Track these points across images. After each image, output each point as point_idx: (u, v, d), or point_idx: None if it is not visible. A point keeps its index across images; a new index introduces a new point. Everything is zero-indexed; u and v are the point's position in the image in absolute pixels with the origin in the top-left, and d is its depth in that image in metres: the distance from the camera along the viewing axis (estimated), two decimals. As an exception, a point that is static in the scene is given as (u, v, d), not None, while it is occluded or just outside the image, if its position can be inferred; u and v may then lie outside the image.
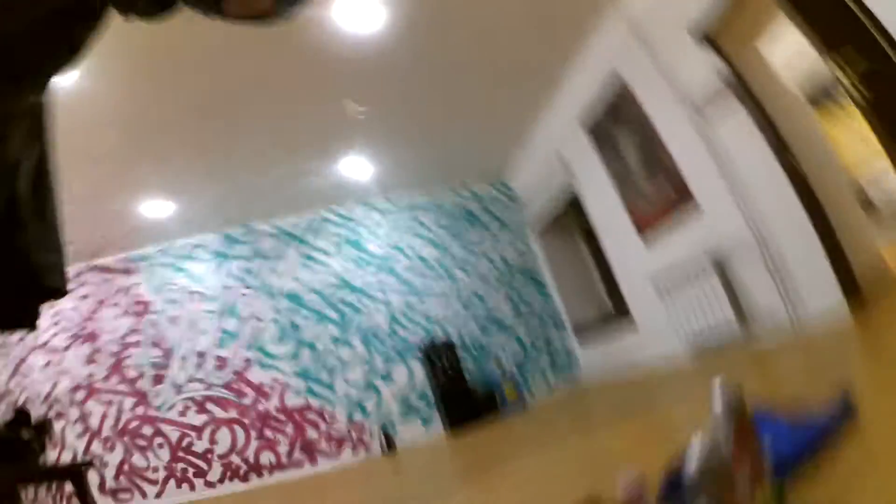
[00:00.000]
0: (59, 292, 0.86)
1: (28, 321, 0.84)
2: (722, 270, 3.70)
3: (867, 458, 1.23)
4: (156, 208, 4.67)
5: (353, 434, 5.10)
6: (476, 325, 5.84)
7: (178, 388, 4.63)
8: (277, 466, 4.80)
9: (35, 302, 0.84)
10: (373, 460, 4.91)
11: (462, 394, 5.33)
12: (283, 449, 4.84)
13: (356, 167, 5.27)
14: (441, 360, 5.36)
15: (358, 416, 5.13)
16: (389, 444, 5.09)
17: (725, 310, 3.70)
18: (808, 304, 3.24)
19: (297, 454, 4.89)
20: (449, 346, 5.48)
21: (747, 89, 3.21)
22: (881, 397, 1.60)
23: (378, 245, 5.77)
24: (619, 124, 4.42)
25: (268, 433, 4.80)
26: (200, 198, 4.75)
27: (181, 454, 4.48)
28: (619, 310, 5.32)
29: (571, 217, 5.96)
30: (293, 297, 5.21)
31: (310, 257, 5.43)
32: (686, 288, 4.02)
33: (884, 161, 2.97)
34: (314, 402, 5.01)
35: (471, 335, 5.78)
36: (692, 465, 0.97)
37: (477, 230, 6.28)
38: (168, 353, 4.74)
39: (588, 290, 6.24)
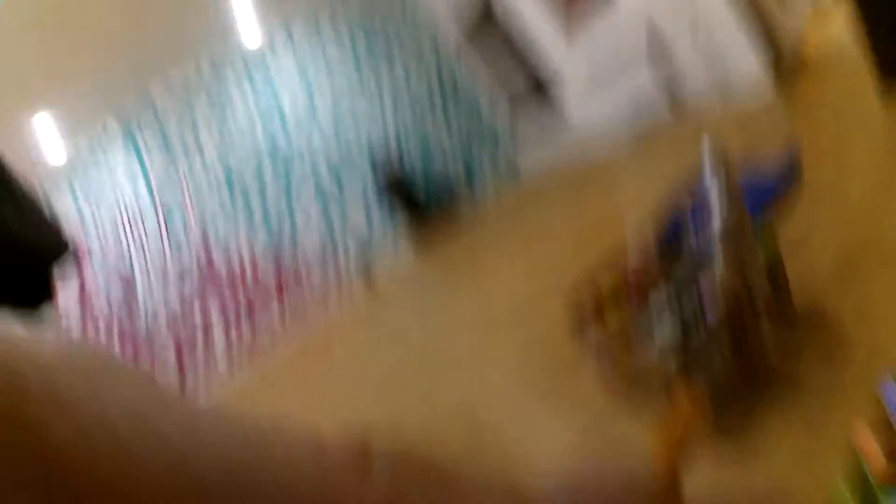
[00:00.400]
0: (59, 251, 0.84)
1: (44, 292, 0.84)
2: (653, 50, 3.74)
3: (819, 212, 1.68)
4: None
5: (331, 280, 5.17)
6: (417, 139, 5.73)
7: (155, 315, 4.56)
8: (272, 334, 4.83)
9: (41, 273, 0.81)
10: (355, 298, 5.06)
11: (419, 206, 5.42)
12: (272, 317, 4.88)
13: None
14: (394, 182, 5.33)
15: (330, 263, 5.16)
16: (368, 279, 5.20)
17: (657, 89, 3.88)
18: (735, 82, 3.39)
19: (288, 318, 4.93)
20: (398, 166, 5.40)
21: None
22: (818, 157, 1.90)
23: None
24: None
25: (253, 307, 4.80)
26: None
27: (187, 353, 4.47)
28: (549, 102, 5.23)
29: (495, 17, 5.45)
30: (226, 168, 4.96)
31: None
32: (618, 73, 4.07)
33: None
34: (286, 264, 4.97)
35: (413, 150, 5.71)
36: (714, 223, 1.23)
37: (392, 40, 5.87)
38: (129, 278, 4.65)
39: (518, 85, 5.78)
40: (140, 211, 4.75)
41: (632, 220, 2.48)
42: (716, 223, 1.24)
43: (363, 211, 5.49)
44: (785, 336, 1.37)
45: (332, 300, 5.24)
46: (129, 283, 4.58)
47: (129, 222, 4.73)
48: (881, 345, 1.20)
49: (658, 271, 1.63)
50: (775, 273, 1.38)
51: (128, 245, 4.64)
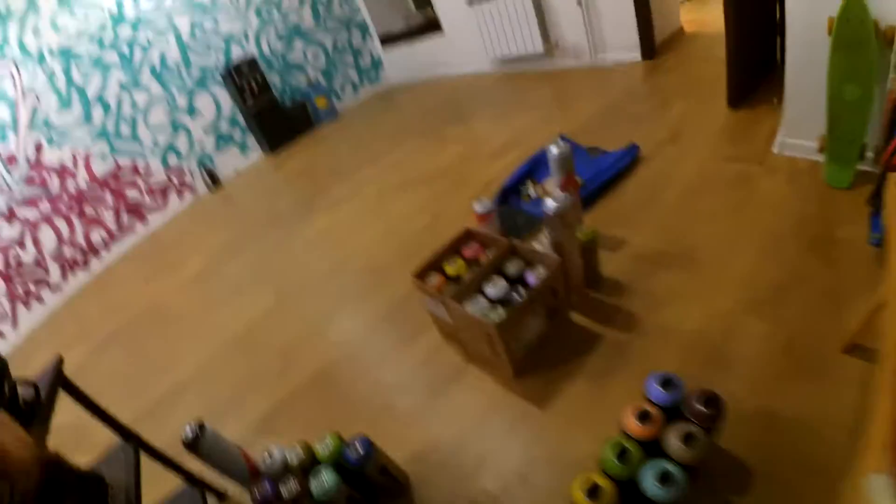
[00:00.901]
0: None
1: None
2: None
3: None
4: None
5: (174, 180, 4.89)
6: (276, 38, 5.50)
7: None
8: (112, 240, 4.47)
9: None
10: (201, 200, 4.93)
11: (273, 111, 5.25)
12: (110, 221, 4.46)
13: None
14: (245, 80, 5.02)
15: (173, 161, 4.86)
16: (213, 179, 5.06)
17: (535, 37, 4.07)
18: (609, 47, 3.79)
19: (126, 220, 4.58)
20: (251, 64, 5.07)
21: None
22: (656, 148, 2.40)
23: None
24: None
25: (89, 211, 4.32)
26: None
27: (14, 275, 3.86)
28: (429, 21, 5.31)
29: None
30: (63, 54, 4.16)
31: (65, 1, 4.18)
32: (493, 4, 4.21)
33: None
34: (124, 161, 4.54)
35: (272, 49, 5.47)
36: (550, 207, 1.43)
37: None
38: None
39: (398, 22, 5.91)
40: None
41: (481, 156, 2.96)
42: (550, 205, 1.42)
43: (213, 108, 5.09)
44: (591, 301, 1.66)
45: (173, 200, 4.90)
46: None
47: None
48: (661, 326, 1.49)
49: (497, 233, 1.85)
50: (590, 250, 1.63)
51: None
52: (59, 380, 1.10)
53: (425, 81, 5.65)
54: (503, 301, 1.50)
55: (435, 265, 1.73)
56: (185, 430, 1.17)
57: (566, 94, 3.63)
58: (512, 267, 1.59)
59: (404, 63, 6.04)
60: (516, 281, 1.56)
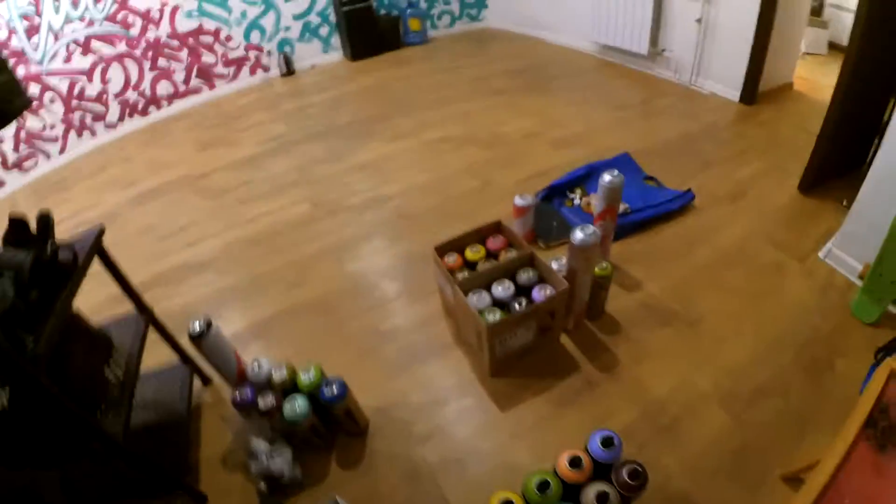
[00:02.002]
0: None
1: None
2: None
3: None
4: None
5: (251, 56, 4.95)
6: None
7: (57, 34, 3.84)
8: (175, 95, 4.61)
9: None
10: (271, 84, 5.00)
11: (366, 18, 5.18)
12: (179, 77, 4.58)
13: None
14: None
15: (255, 38, 4.89)
16: (289, 67, 5.11)
17: (643, 38, 3.94)
18: (711, 75, 3.66)
19: (195, 81, 4.70)
20: None
21: None
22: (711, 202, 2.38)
23: None
24: None
25: (161, 62, 4.43)
26: None
27: (75, 103, 4.01)
28: None
29: None
30: None
31: None
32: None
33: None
34: (208, 24, 4.57)
35: None
36: (577, 238, 1.47)
37: None
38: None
39: None
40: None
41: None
42: (577, 236, 1.47)
43: (305, 4, 5.04)
44: (585, 332, 1.74)
45: (245, 74, 4.99)
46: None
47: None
48: (636, 379, 1.58)
49: (530, 227, 1.91)
50: (601, 285, 1.70)
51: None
52: (96, 249, 1.22)
53: (523, 37, 5.46)
54: (504, 304, 1.60)
55: (458, 245, 1.82)
56: (194, 323, 1.32)
57: (652, 106, 3.52)
58: (524, 275, 1.67)
59: (509, 11, 5.81)
60: (523, 290, 1.64)
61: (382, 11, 5.43)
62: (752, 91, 3.43)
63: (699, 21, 3.52)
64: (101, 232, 1.24)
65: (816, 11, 4.34)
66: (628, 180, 2.25)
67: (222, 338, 1.39)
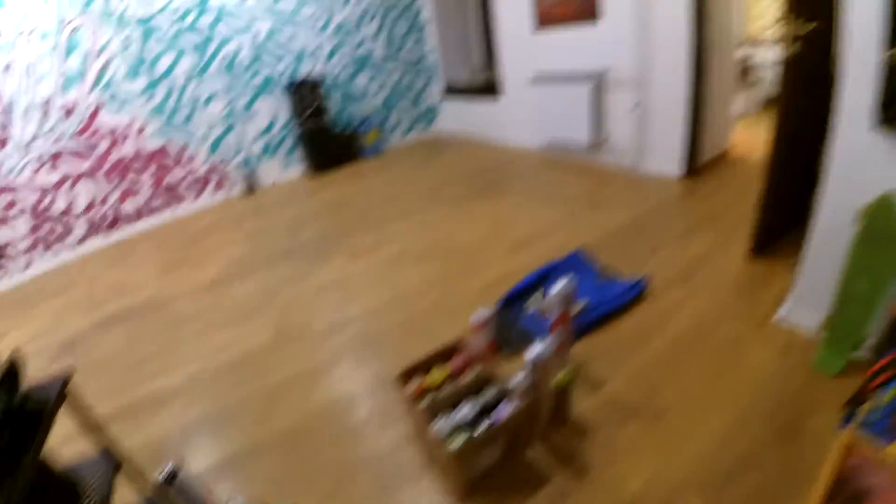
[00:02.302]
0: None
1: None
2: (596, 90, 4.11)
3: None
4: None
5: (214, 175, 5.12)
6: (345, 64, 5.75)
7: (26, 148, 3.99)
8: (140, 214, 4.73)
9: None
10: (234, 203, 5.08)
11: (324, 135, 5.44)
12: (144, 195, 4.72)
13: None
14: (306, 97, 5.26)
15: (218, 156, 5.09)
16: (251, 185, 5.26)
17: (584, 130, 4.23)
18: (653, 156, 3.96)
19: (159, 199, 4.83)
20: (315, 83, 5.33)
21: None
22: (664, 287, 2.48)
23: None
24: None
25: (127, 181, 4.58)
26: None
27: (42, 219, 4.11)
28: (490, 84, 5.63)
29: None
30: (144, 23, 4.43)
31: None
32: (555, 89, 4.40)
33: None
34: (173, 143, 4.78)
35: (338, 73, 5.73)
36: (531, 354, 1.59)
37: None
38: (7, 110, 3.91)
39: (466, 52, 6.38)
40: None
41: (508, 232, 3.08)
42: (531, 353, 1.55)
43: (269, 116, 5.35)
44: (553, 441, 1.78)
45: (208, 193, 5.14)
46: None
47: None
48: (610, 481, 1.60)
49: (490, 341, 1.98)
50: (564, 391, 1.76)
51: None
52: (63, 397, 1.21)
53: (473, 141, 5.92)
54: (470, 425, 1.63)
55: (421, 367, 1.87)
56: (162, 469, 1.31)
57: (600, 195, 3.77)
58: (488, 392, 1.72)
59: (459, 117, 6.32)
60: (488, 407, 1.69)
61: (340, 126, 5.78)
62: (692, 166, 3.74)
63: (634, 107, 3.86)
64: (68, 379, 1.25)
65: (745, 73, 4.80)
66: (583, 277, 2.38)
67: (191, 487, 1.38)
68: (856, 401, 1.50)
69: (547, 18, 4.46)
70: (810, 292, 1.97)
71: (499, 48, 5.23)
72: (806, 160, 2.35)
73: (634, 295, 2.43)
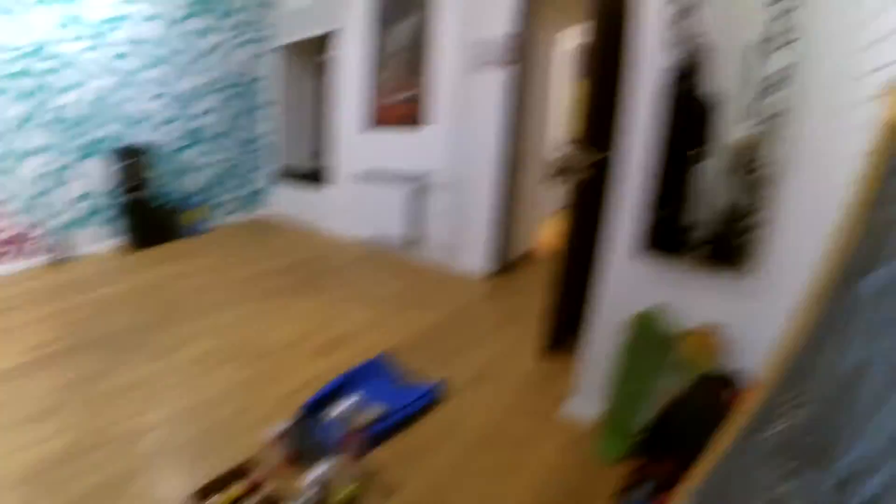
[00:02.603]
0: None
1: None
2: (417, 190, 4.40)
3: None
4: None
5: (22, 238, 4.27)
6: (178, 135, 5.33)
7: None
8: None
9: None
10: (42, 272, 4.25)
11: (148, 208, 4.89)
12: None
13: None
14: (132, 166, 4.72)
15: (29, 218, 4.28)
16: (61, 254, 4.46)
17: (401, 227, 4.47)
18: (464, 254, 4.26)
19: None
20: (143, 152, 4.81)
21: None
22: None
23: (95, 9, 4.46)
24: (409, 6, 4.46)
25: None
26: None
27: None
28: (321, 173, 5.66)
29: (315, 51, 5.97)
30: None
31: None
32: (379, 186, 4.60)
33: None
34: None
35: (170, 144, 5.26)
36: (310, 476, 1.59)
37: (213, 21, 5.47)
38: None
39: (302, 139, 6.42)
40: None
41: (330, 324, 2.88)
42: (311, 474, 1.46)
43: (90, 181, 4.67)
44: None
45: (11, 258, 4.22)
46: None
47: None
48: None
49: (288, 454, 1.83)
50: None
51: None
52: None
53: (301, 228, 5.85)
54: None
55: (218, 484, 1.70)
56: None
57: (412, 294, 3.92)
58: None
59: (289, 202, 6.25)
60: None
61: (166, 200, 5.24)
62: (500, 263, 4.15)
63: (448, 208, 4.20)
64: None
65: (561, 172, 5.52)
66: (382, 383, 2.38)
67: None
68: (621, 494, 1.71)
69: (378, 119, 4.81)
70: (590, 389, 2.25)
71: (332, 140, 5.41)
72: (588, 270, 2.70)
73: (432, 398, 2.45)
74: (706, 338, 1.82)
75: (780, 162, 1.65)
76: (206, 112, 5.58)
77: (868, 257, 0.77)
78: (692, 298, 1.91)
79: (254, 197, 6.37)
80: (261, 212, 6.47)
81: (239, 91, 5.90)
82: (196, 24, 5.25)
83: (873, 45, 1.47)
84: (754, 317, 1.77)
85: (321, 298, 3.88)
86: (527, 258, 4.39)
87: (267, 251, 5.05)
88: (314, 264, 4.66)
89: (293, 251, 5.02)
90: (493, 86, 3.93)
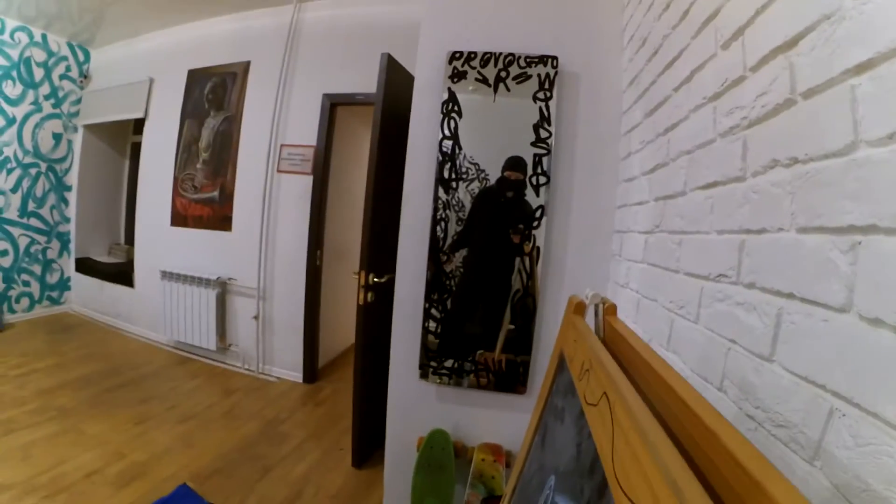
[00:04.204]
0: None
1: None
2: (222, 295, 4.24)
3: None
4: None
5: None
6: None
7: None
8: None
9: None
10: None
11: None
12: None
13: None
14: None
15: None
16: None
17: (211, 334, 4.22)
18: (275, 362, 4.17)
19: None
20: None
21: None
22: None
23: None
24: (217, 106, 4.39)
25: None
26: None
27: None
28: (126, 270, 5.13)
29: (128, 135, 5.64)
30: None
31: None
32: (185, 287, 4.33)
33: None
34: None
35: None
36: None
37: (26, 89, 4.89)
38: None
39: (107, 230, 5.81)
40: None
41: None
42: None
43: None
44: None
45: None
46: None
47: None
48: None
49: None
50: None
51: None
52: None
53: (103, 328, 5.13)
54: None
55: None
56: None
57: (220, 408, 3.61)
58: None
59: (91, 297, 5.44)
60: None
61: None
62: (311, 370, 4.05)
63: (256, 318, 4.01)
64: None
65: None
66: None
67: None
68: None
69: (182, 217, 4.51)
70: (396, 498, 2.29)
71: (138, 235, 4.94)
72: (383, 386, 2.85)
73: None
74: (493, 454, 2.00)
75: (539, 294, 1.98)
76: (7, 190, 4.82)
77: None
78: (478, 416, 2.11)
79: (54, 290, 5.48)
80: (63, 307, 5.56)
81: (43, 169, 5.17)
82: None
83: (617, 185, 1.91)
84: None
85: (125, 414, 3.40)
86: (345, 355, 4.35)
87: (66, 356, 4.32)
88: (118, 373, 4.07)
89: (95, 356, 4.35)
90: (298, 192, 4.02)
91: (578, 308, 1.13)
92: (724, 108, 0.98)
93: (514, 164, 2.02)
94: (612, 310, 1.05)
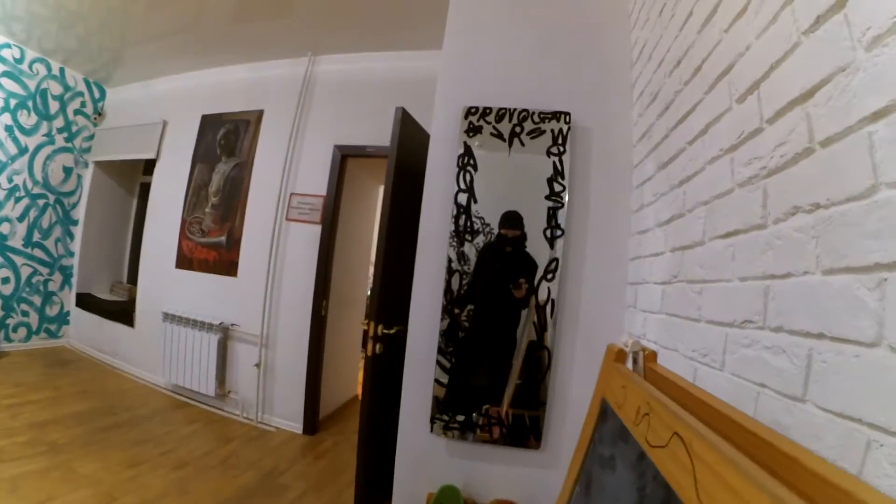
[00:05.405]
0: None
1: None
2: (224, 340, 4.19)
3: None
4: None
5: None
6: None
7: None
8: None
9: None
10: None
11: None
12: None
13: None
14: None
15: None
16: None
17: (211, 380, 4.15)
18: (275, 412, 4.08)
19: None
20: None
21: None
22: None
23: None
24: (229, 152, 4.47)
25: None
26: None
27: None
28: (128, 309, 5.08)
29: (137, 174, 5.73)
30: None
31: None
32: (186, 331, 4.29)
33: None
34: None
35: None
36: None
37: (40, 120, 4.99)
38: None
39: (110, 267, 5.85)
40: None
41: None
42: None
43: None
44: None
45: None
46: None
47: None
48: None
49: None
50: None
51: None
52: None
53: (100, 365, 5.05)
54: None
55: None
56: None
57: (216, 456, 3.49)
58: None
59: (90, 333, 5.38)
60: None
61: None
62: (312, 421, 3.94)
63: (258, 365, 3.95)
64: None
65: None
66: None
67: None
68: None
69: (187, 260, 4.54)
70: None
71: (142, 274, 4.94)
72: (391, 438, 2.73)
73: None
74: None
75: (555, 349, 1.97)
76: (9, 219, 4.87)
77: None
78: (489, 472, 2.04)
79: (54, 323, 5.43)
80: (61, 341, 5.50)
81: (51, 201, 5.25)
82: (9, 119, 4.78)
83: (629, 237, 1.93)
84: (547, 486, 1.94)
85: (118, 456, 3.28)
86: (347, 407, 4.24)
87: (61, 391, 4.23)
88: (113, 413, 3.96)
89: (91, 394, 4.26)
90: (305, 240, 4.06)
91: (619, 356, 1.14)
92: (742, 158, 1.03)
93: (509, 220, 2.08)
94: (652, 356, 1.06)
